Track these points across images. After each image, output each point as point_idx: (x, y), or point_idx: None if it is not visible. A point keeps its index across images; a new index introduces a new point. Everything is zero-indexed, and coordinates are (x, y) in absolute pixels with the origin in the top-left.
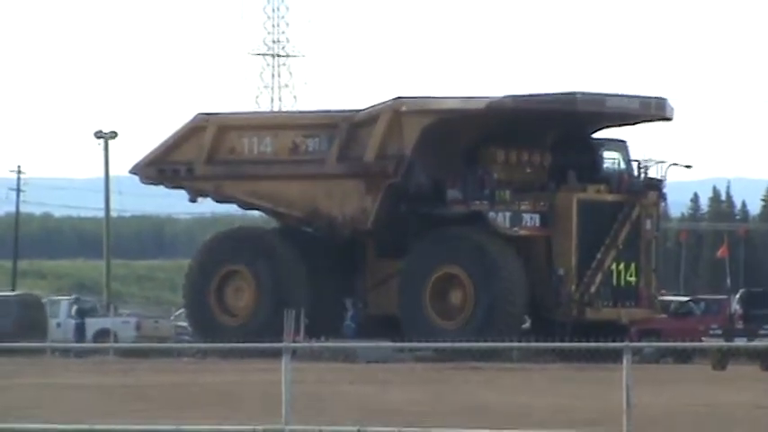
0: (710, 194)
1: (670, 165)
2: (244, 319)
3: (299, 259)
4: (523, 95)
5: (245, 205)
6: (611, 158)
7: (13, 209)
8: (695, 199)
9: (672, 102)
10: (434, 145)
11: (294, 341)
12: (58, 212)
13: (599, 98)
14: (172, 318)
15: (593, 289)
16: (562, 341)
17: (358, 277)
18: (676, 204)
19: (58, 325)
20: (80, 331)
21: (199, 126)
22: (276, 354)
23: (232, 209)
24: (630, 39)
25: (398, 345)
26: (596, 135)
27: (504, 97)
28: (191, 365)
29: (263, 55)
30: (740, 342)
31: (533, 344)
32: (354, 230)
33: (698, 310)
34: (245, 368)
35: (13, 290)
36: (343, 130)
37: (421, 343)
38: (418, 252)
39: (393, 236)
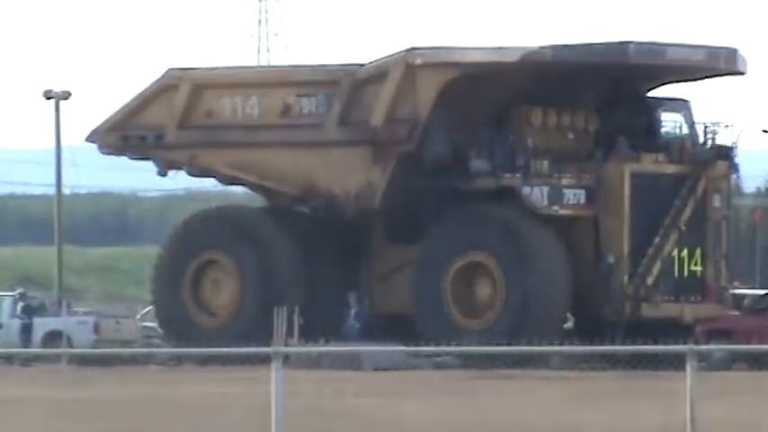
0: None
1: (743, 129)
2: (225, 318)
3: (292, 246)
4: (565, 45)
5: (227, 180)
6: (671, 121)
7: None
8: None
9: (744, 53)
10: (456, 106)
11: (287, 344)
12: None
13: (657, 48)
14: (138, 317)
15: (649, 280)
16: (612, 344)
17: (363, 267)
18: (751, 177)
19: (0, 326)
20: (26, 334)
21: (170, 84)
22: (265, 360)
23: (210, 184)
24: None
25: (412, 349)
26: (653, 93)
27: (542, 47)
28: (161, 375)
29: None
30: None
31: (577, 347)
32: (359, 210)
33: None
34: (227, 378)
35: None
36: (346, 87)
37: (440, 347)
38: (436, 236)
39: (406, 217)
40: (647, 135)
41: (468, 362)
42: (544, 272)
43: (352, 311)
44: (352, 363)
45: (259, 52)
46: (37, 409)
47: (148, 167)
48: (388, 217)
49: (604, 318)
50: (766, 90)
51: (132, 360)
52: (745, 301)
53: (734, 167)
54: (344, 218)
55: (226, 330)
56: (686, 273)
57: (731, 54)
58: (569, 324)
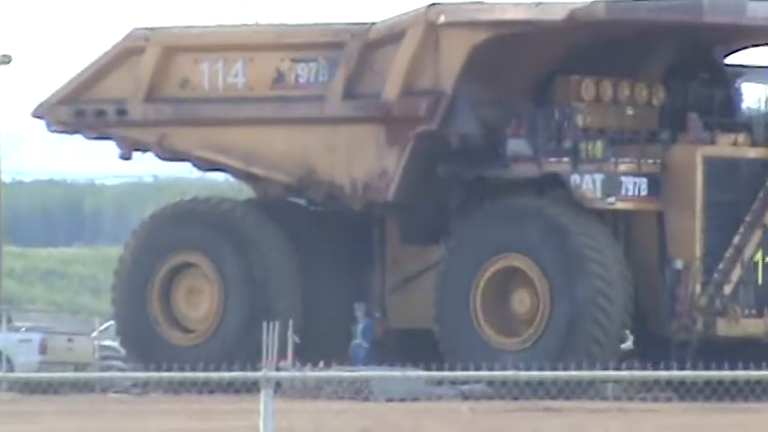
0: None
1: None
2: (203, 335)
3: (286, 246)
4: (623, 0)
5: (204, 165)
6: (753, 95)
7: None
8: None
9: None
10: (488, 75)
11: (278, 368)
12: None
13: (736, 4)
14: (94, 334)
15: (727, 290)
16: (681, 368)
17: (373, 273)
18: None
19: None
20: None
21: (135, 47)
22: (252, 387)
23: (184, 170)
24: None
25: (434, 374)
26: (732, 60)
27: (595, 2)
28: (123, 405)
29: None
30: None
31: (638, 372)
32: (369, 203)
33: None
34: (205, 409)
35: None
36: (353, 52)
37: (468, 371)
38: (464, 236)
39: (426, 212)
40: (724, 111)
41: (504, 390)
42: (597, 280)
43: (360, 327)
44: (360, 391)
45: (246, 8)
46: None
47: (108, 149)
48: (405, 212)
49: (671, 336)
50: None
51: (87, 387)
52: None
53: None
54: (351, 213)
55: (204, 350)
56: None
57: None
58: (628, 344)
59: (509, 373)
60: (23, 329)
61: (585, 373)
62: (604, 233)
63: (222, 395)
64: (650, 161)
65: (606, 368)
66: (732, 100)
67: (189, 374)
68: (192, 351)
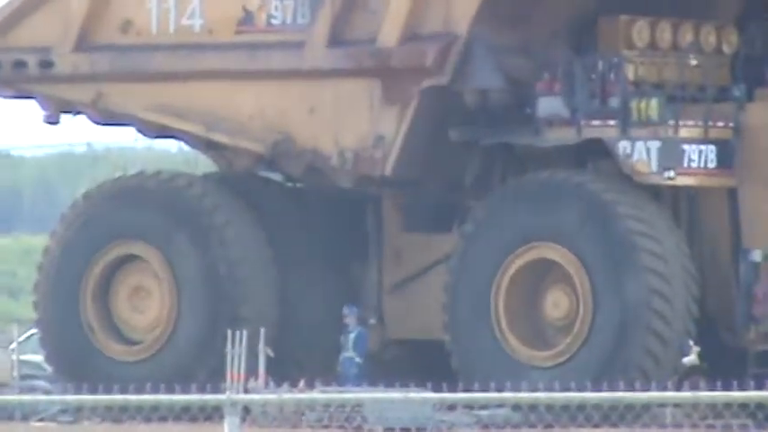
0: None
1: None
2: (151, 347)
3: (257, 234)
4: None
5: (153, 130)
6: None
7: None
8: None
9: None
10: (513, 15)
11: (246, 390)
12: None
13: None
14: (12, 346)
15: None
16: (760, 388)
17: (367, 269)
18: None
19: None
20: None
21: None
22: (213, 414)
23: (127, 138)
24: None
25: (444, 396)
26: None
27: None
28: None
29: None
30: None
31: (706, 393)
32: (361, 179)
33: None
34: None
35: None
36: None
37: (488, 393)
38: (483, 220)
39: (434, 190)
40: None
41: (534, 416)
42: (653, 276)
43: (351, 337)
44: (351, 418)
45: None
46: None
47: (30, 111)
48: (408, 190)
49: (747, 347)
50: None
51: (4, 413)
52: None
53: None
54: (338, 191)
55: (152, 367)
56: None
57: None
58: (692, 357)
59: (540, 395)
60: None
61: (638, 395)
62: (662, 216)
63: (176, 423)
64: (720, 124)
65: (664, 388)
66: None
67: (133, 397)
68: (137, 368)
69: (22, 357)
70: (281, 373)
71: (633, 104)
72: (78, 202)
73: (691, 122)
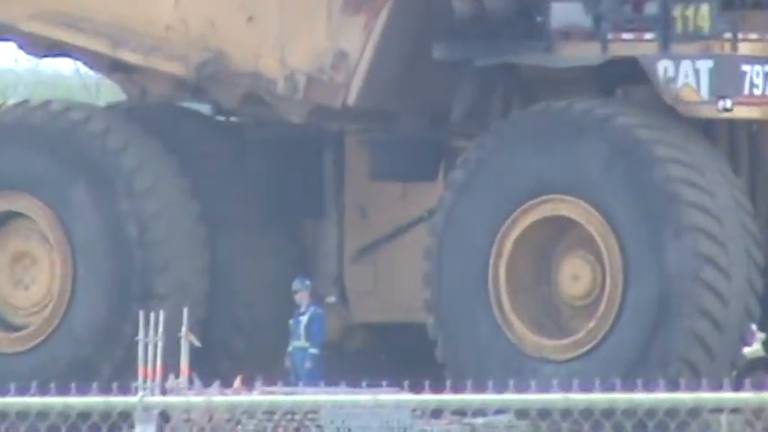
0: None
1: None
2: (38, 333)
3: (178, 184)
4: None
5: (40, 47)
6: None
7: None
8: None
9: None
10: None
11: (165, 390)
12: None
13: None
14: None
15: None
16: None
17: (324, 229)
18: None
19: None
20: None
21: None
22: (120, 420)
23: (6, 58)
24: None
25: (427, 399)
26: None
27: None
28: None
29: None
30: None
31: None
32: (316, 110)
33: None
34: None
35: None
36: None
37: (484, 395)
38: (480, 165)
39: (413, 125)
40: None
41: (546, 424)
42: (702, 237)
43: (303, 320)
44: (304, 426)
45: None
46: None
47: None
48: (377, 125)
49: None
50: None
51: None
52: None
53: None
54: (286, 127)
55: (40, 359)
56: None
57: None
58: (755, 347)
59: (555, 397)
60: None
61: (683, 396)
62: (714, 159)
63: (73, 429)
64: None
65: (719, 387)
66: None
67: (16, 400)
68: (19, 361)
69: None
70: (210, 367)
71: (677, 12)
72: None
73: (753, 36)
